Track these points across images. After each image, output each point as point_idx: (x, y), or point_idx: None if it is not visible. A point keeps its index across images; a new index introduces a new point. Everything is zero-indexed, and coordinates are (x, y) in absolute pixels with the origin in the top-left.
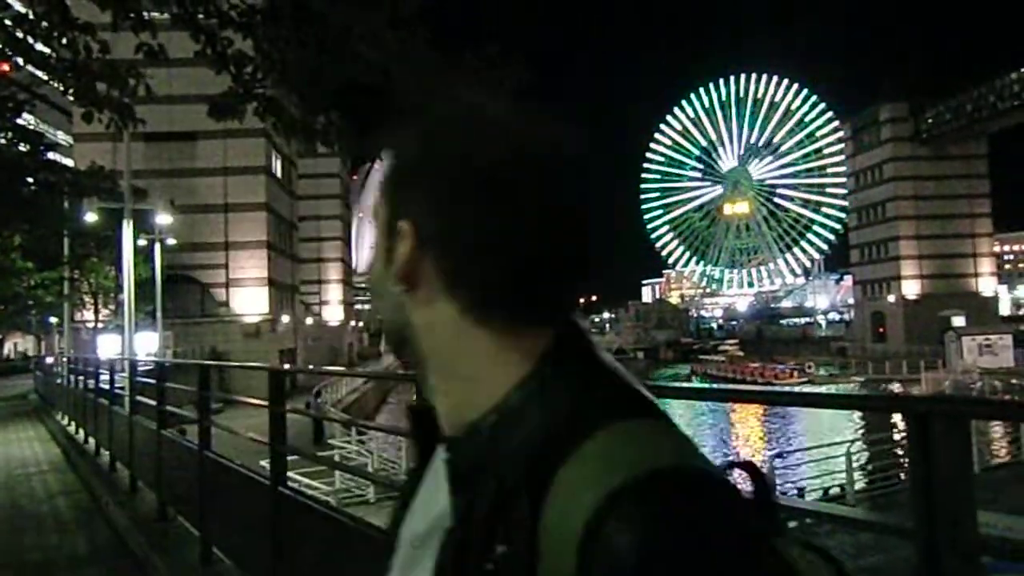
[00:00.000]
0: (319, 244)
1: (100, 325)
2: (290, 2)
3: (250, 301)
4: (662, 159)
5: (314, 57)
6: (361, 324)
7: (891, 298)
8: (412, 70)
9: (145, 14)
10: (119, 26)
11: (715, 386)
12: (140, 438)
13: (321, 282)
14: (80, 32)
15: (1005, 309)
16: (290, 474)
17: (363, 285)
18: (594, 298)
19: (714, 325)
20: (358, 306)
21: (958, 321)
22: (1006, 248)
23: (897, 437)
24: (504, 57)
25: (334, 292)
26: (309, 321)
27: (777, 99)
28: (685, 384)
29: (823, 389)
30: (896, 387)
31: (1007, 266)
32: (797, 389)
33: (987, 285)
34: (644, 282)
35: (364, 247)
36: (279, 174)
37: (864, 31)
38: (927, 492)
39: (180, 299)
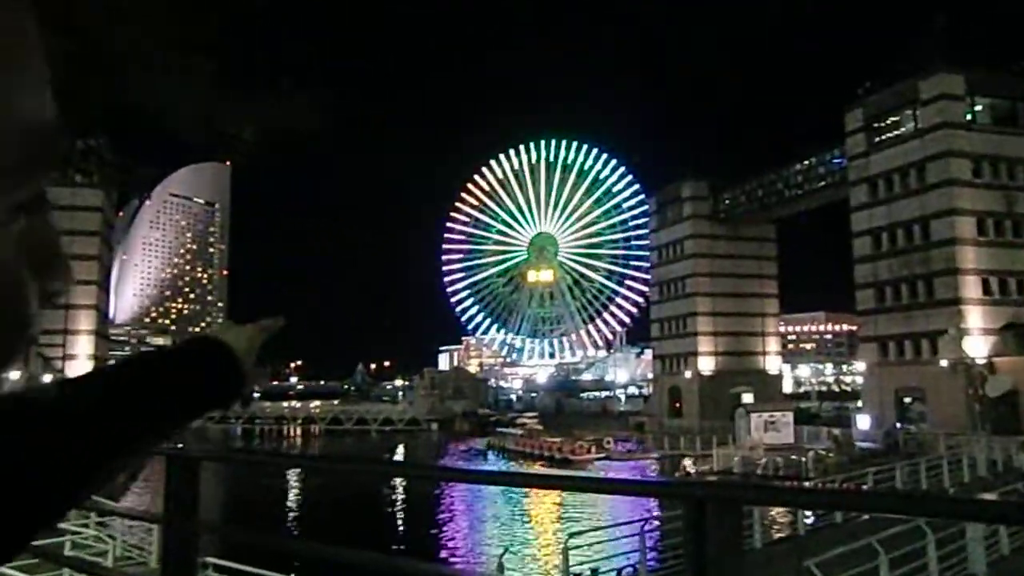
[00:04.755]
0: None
1: None
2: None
3: None
4: (467, 219)
5: (75, 74)
6: None
7: (688, 373)
8: (193, 98)
9: None
10: None
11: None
12: None
13: (68, 332)
14: None
15: (788, 387)
16: None
17: (122, 337)
18: (387, 364)
19: (513, 396)
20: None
21: (747, 398)
22: (790, 329)
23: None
24: (297, 91)
25: (83, 345)
26: (48, 379)
27: (586, 167)
28: (473, 468)
29: (620, 465)
30: (689, 463)
31: (790, 346)
32: (586, 473)
33: (773, 364)
34: (442, 348)
35: (126, 294)
36: None
37: (664, 113)
38: (701, 572)
39: None
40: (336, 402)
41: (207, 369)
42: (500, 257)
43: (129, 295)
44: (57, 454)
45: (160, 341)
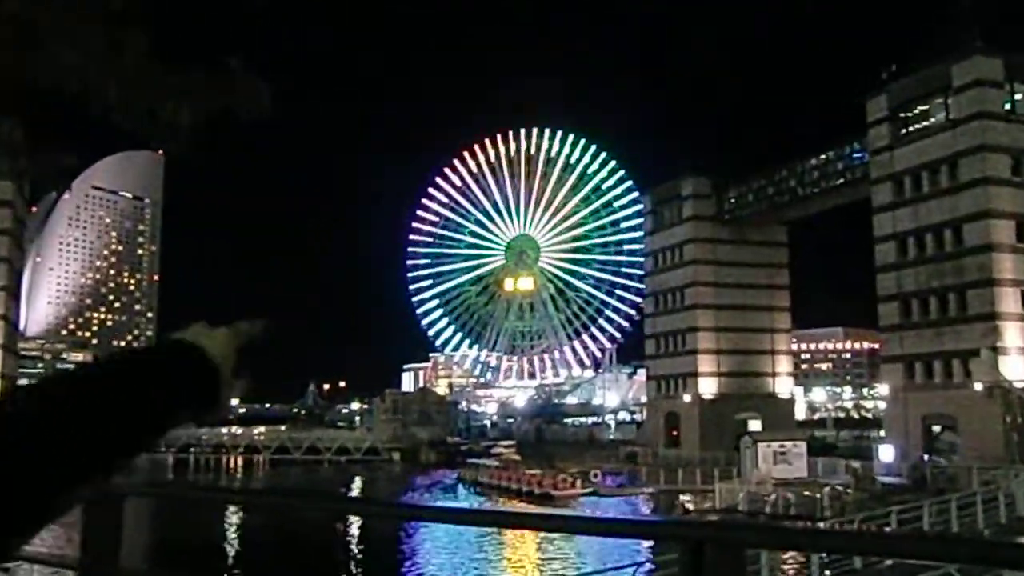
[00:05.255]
0: None
1: None
2: None
3: None
4: (435, 219)
5: None
6: None
7: (687, 397)
8: (121, 77)
9: None
10: None
11: (476, 507)
12: None
13: None
14: None
15: (801, 413)
16: None
17: (35, 353)
18: (342, 384)
19: (488, 422)
20: (26, 380)
21: (755, 425)
22: (803, 347)
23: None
24: (246, 72)
25: None
26: None
27: (573, 160)
28: (440, 505)
29: (609, 501)
30: (687, 499)
31: (803, 366)
32: (569, 511)
33: (784, 386)
34: (406, 367)
35: (40, 302)
36: None
37: (661, 102)
38: None
39: None
40: (283, 428)
41: (182, 377)
42: (473, 262)
43: (43, 304)
44: (9, 477)
45: (79, 356)
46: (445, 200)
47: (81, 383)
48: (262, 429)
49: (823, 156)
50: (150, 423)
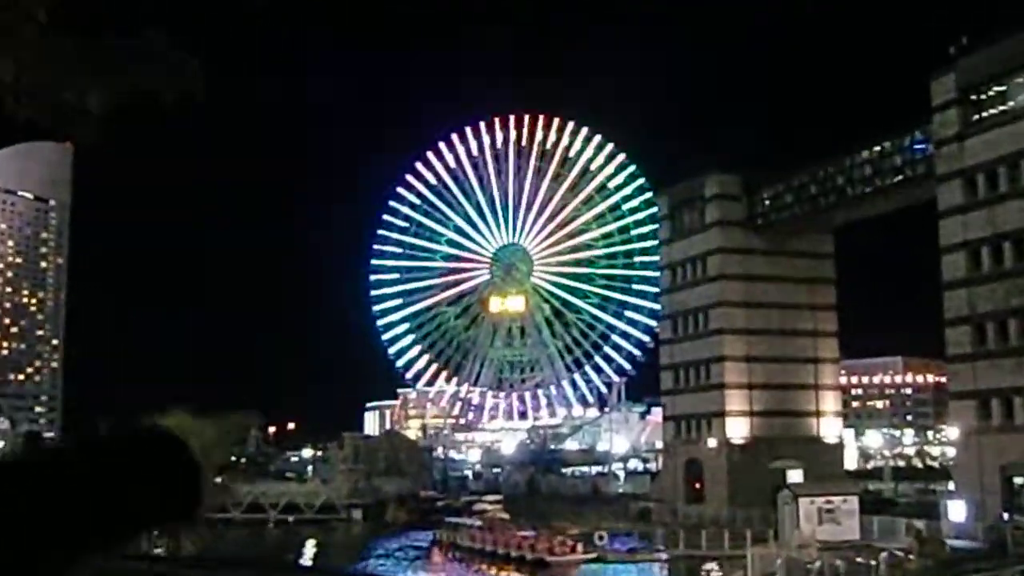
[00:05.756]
0: None
1: None
2: None
3: None
4: (405, 224)
5: None
6: None
7: (712, 441)
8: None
9: None
10: None
11: None
12: None
13: None
14: None
15: (851, 461)
16: None
17: None
18: (291, 426)
19: (469, 473)
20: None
21: (795, 476)
22: (853, 380)
23: None
24: (173, 47)
25: None
26: None
27: (572, 153)
28: None
29: (618, 569)
30: (714, 567)
31: (854, 404)
32: None
33: (831, 429)
34: (369, 405)
35: None
36: None
37: (683, 81)
38: None
39: None
40: (218, 481)
41: (162, 477)
42: (451, 278)
43: None
44: None
45: None
46: (417, 202)
47: (45, 474)
48: None
49: (878, 148)
50: (122, 524)
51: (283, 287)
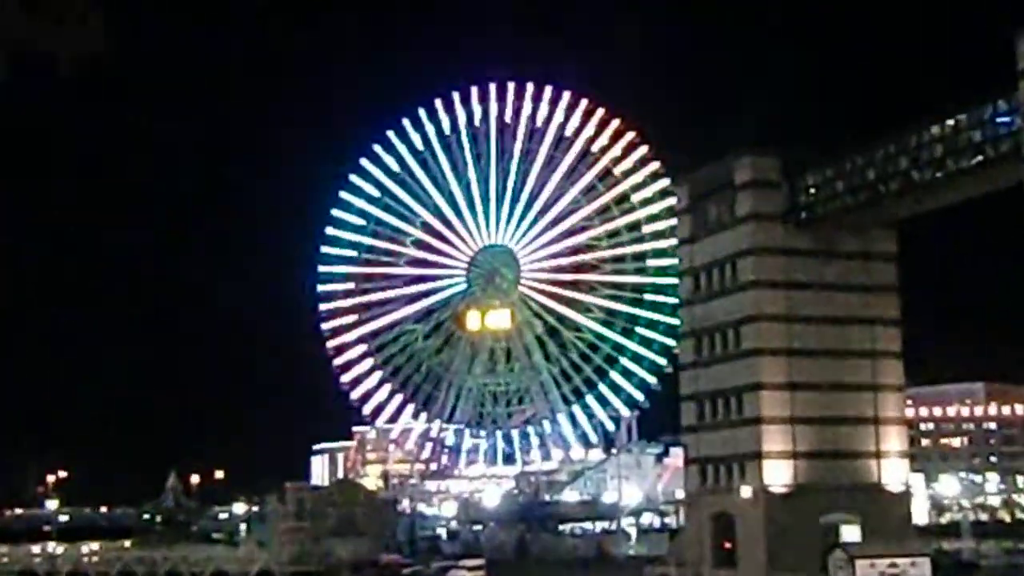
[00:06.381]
0: None
1: None
2: None
3: None
4: (361, 221)
5: None
6: None
7: (746, 491)
8: None
9: None
10: None
11: None
12: None
13: None
14: None
15: (922, 514)
16: None
17: None
18: (218, 475)
19: (443, 531)
20: None
21: (850, 533)
22: (923, 412)
23: None
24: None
25: None
26: None
27: (569, 131)
28: None
29: None
30: None
31: (924, 442)
32: None
33: (895, 473)
34: (316, 448)
35: None
36: None
37: (705, 42)
38: None
39: None
40: (128, 544)
41: None
42: (419, 288)
43: None
44: None
45: None
46: (376, 193)
47: None
48: (95, 546)
49: (950, 122)
50: None
51: (211, 306)
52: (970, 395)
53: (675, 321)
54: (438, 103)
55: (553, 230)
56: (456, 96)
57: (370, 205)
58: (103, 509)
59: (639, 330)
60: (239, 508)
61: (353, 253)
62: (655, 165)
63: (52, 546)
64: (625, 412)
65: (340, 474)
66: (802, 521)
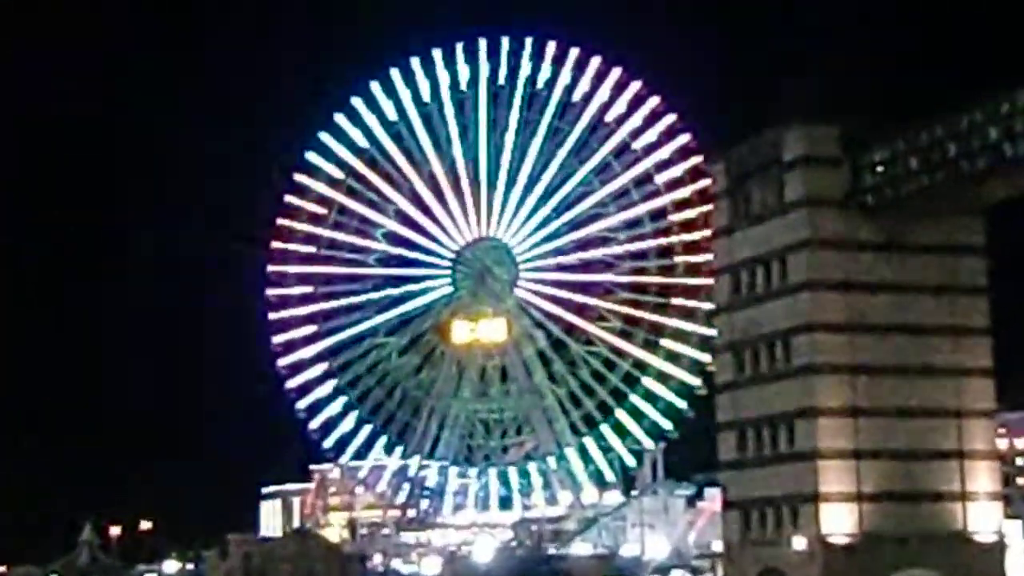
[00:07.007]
0: None
1: None
2: None
3: None
4: (321, 212)
5: None
6: None
7: (799, 541)
8: None
9: None
10: None
11: None
12: None
13: None
14: None
15: (1017, 567)
16: None
17: None
18: (144, 526)
19: None
20: None
21: None
22: (1018, 443)
23: None
24: None
25: None
26: None
27: (577, 96)
28: None
29: None
30: None
31: (1020, 479)
32: None
33: (984, 518)
34: (266, 491)
35: None
36: None
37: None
38: None
39: None
40: None
41: None
42: (392, 292)
43: None
44: None
45: None
46: (339, 175)
47: None
48: None
49: None
50: None
51: (135, 320)
52: None
53: (710, 331)
54: (415, 63)
55: (558, 220)
56: (438, 54)
57: (331, 189)
58: (1, 569)
59: (664, 342)
60: (170, 566)
61: (311, 249)
62: (684, 138)
63: None
64: (648, 444)
65: (295, 523)
66: None
